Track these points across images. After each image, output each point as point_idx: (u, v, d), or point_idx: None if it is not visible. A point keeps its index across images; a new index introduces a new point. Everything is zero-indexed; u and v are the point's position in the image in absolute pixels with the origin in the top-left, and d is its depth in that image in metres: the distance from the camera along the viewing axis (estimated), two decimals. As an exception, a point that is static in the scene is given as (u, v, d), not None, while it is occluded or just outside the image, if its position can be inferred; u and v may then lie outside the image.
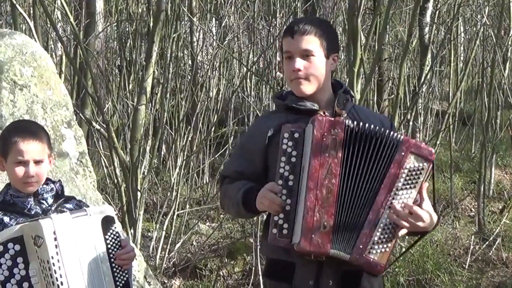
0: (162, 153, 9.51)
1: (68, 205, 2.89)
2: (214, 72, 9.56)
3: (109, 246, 2.75)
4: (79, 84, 9.17)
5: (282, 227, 2.71)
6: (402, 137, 2.75)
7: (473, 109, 10.54)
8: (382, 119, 3.07)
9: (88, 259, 2.69)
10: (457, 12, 8.52)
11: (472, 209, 8.47)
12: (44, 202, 2.83)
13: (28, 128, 2.87)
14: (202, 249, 7.46)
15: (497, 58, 8.38)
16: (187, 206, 7.82)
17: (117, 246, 2.77)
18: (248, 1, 10.25)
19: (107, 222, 2.76)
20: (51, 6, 9.04)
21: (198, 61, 9.50)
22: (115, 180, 6.84)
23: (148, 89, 6.74)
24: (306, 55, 2.86)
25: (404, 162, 2.71)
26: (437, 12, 9.01)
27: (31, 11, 8.23)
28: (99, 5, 10.13)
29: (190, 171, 8.31)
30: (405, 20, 10.83)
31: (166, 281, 6.88)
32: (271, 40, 8.86)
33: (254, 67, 9.29)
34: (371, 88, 9.07)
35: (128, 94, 8.79)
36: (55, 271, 2.59)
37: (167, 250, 7.06)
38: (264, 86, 9.61)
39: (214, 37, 9.49)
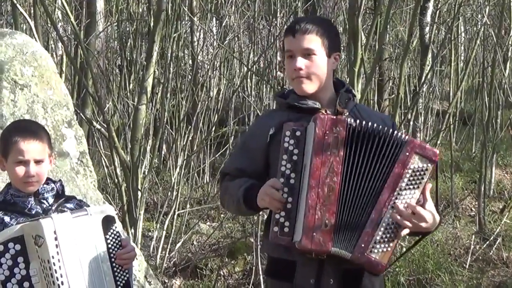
0: (163, 152, 9.51)
1: (69, 205, 2.89)
2: (214, 72, 9.57)
3: (109, 245, 2.75)
4: (79, 84, 9.17)
5: (283, 225, 2.71)
6: (407, 137, 2.75)
7: (473, 109, 10.53)
8: (384, 118, 3.07)
9: (88, 259, 2.69)
10: (458, 12, 8.52)
11: (473, 209, 8.46)
12: (44, 201, 2.83)
13: (29, 128, 2.87)
14: (202, 248, 7.46)
15: (497, 58, 8.38)
16: (188, 205, 7.82)
17: (117, 246, 2.77)
18: (248, 1, 10.25)
19: (107, 222, 2.76)
20: (51, 5, 9.05)
21: (198, 60, 9.50)
22: (116, 180, 6.84)
23: (149, 88, 6.74)
24: (308, 54, 2.86)
25: (408, 162, 2.71)
26: (438, 11, 9.01)
27: (32, 11, 8.22)
28: (100, 4, 10.13)
29: (191, 170, 8.31)
30: (406, 19, 10.83)
31: (166, 281, 6.88)
32: (272, 40, 8.86)
33: (254, 66, 9.29)
34: (372, 87, 9.06)
35: (128, 93, 8.79)
36: (55, 270, 2.60)
37: (168, 249, 7.06)
38: (264, 85, 9.60)
39: (215, 37, 9.48)
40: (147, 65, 6.70)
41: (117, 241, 2.77)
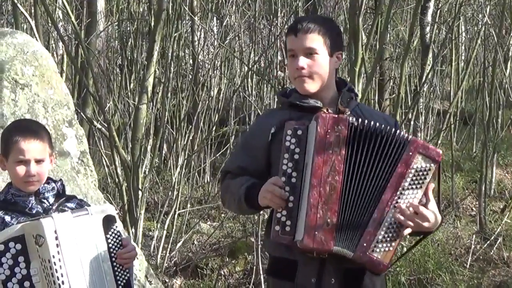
0: (163, 152, 9.51)
1: (69, 204, 2.89)
2: (215, 71, 9.57)
3: (110, 245, 2.75)
4: (80, 83, 9.17)
5: (285, 224, 2.70)
6: (410, 137, 2.75)
7: (474, 109, 10.52)
8: (386, 118, 3.07)
9: (89, 258, 2.69)
10: (458, 12, 8.51)
11: (473, 209, 8.46)
12: (45, 201, 2.83)
13: (29, 127, 2.87)
14: (203, 248, 7.46)
15: (498, 58, 8.38)
16: (188, 205, 7.82)
17: (118, 245, 2.77)
18: (249, 1, 10.24)
19: (108, 221, 2.76)
20: (52, 5, 9.05)
21: (199, 60, 9.50)
22: (116, 179, 6.84)
23: (149, 88, 6.74)
24: (310, 53, 2.86)
25: (411, 162, 2.71)
26: (438, 11, 9.01)
27: (32, 10, 8.22)
28: (100, 4, 10.13)
29: (191, 170, 8.31)
30: (407, 19, 10.83)
31: (167, 280, 6.88)
32: (272, 40, 8.86)
33: (255, 66, 9.29)
34: (372, 87, 9.06)
35: (129, 93, 8.79)
36: (56, 270, 2.60)
37: (168, 249, 7.06)
38: (265, 85, 9.60)
39: (215, 36, 9.48)
40: (147, 65, 6.70)
41: (117, 241, 2.77)
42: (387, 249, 2.71)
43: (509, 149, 10.29)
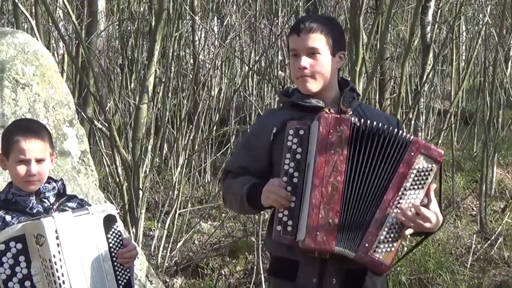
0: (164, 152, 9.51)
1: (70, 204, 2.89)
2: (216, 71, 9.56)
3: (111, 244, 2.75)
4: (81, 83, 9.17)
5: (286, 224, 2.70)
6: (412, 137, 2.74)
7: (475, 108, 10.53)
8: (388, 118, 3.07)
9: (90, 258, 2.69)
10: (459, 11, 8.51)
11: (474, 208, 8.46)
12: (46, 200, 2.83)
13: (30, 127, 2.87)
14: (204, 248, 7.46)
15: (499, 57, 8.37)
16: (189, 205, 7.82)
17: (119, 245, 2.77)
18: (250, 0, 10.24)
19: (109, 221, 2.76)
20: (53, 5, 9.05)
21: (200, 60, 9.50)
22: (117, 179, 6.84)
23: (150, 88, 6.74)
24: (312, 53, 2.86)
25: (413, 163, 2.70)
26: (439, 11, 9.02)
27: (33, 10, 8.22)
28: (101, 4, 10.13)
29: (192, 170, 8.31)
30: (407, 19, 10.82)
31: (168, 280, 6.88)
32: (273, 39, 8.85)
33: (256, 66, 9.29)
34: (373, 87, 9.06)
35: (130, 93, 8.79)
36: (57, 269, 2.60)
37: (169, 249, 7.06)
38: (266, 85, 9.60)
39: (216, 36, 9.48)
40: (148, 64, 6.70)
41: (118, 240, 2.77)
42: (388, 249, 2.71)
43: (510, 149, 10.28)
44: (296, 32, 2.88)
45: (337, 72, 2.96)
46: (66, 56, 8.37)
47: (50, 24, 9.02)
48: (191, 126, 8.01)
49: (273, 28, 9.02)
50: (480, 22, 9.91)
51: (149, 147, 7.43)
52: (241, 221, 7.90)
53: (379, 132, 2.72)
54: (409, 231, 2.72)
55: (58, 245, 2.61)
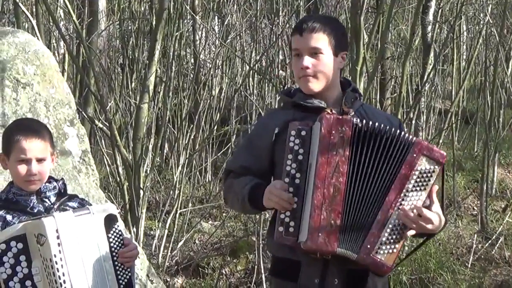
0: (165, 151, 9.51)
1: (71, 204, 2.89)
2: (216, 71, 9.56)
3: (112, 244, 2.74)
4: (81, 83, 9.17)
5: (288, 225, 2.70)
6: (414, 138, 2.74)
7: (475, 108, 10.53)
8: (390, 118, 3.06)
9: (91, 258, 2.69)
10: (460, 11, 8.51)
11: (475, 208, 8.46)
12: (46, 200, 2.83)
13: (31, 126, 2.87)
14: (204, 247, 7.46)
15: (500, 57, 8.37)
16: (190, 204, 7.82)
17: (120, 244, 2.77)
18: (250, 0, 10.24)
19: (110, 221, 2.76)
20: (53, 4, 9.05)
21: (200, 59, 9.49)
22: (118, 179, 6.84)
23: (151, 87, 6.74)
24: (315, 52, 2.85)
25: (415, 164, 2.70)
26: (440, 10, 9.01)
27: (34, 10, 8.22)
28: (102, 3, 10.13)
29: (193, 169, 8.31)
30: (408, 18, 10.82)
31: (168, 280, 6.88)
32: (274, 39, 8.85)
33: (256, 65, 9.28)
34: (374, 86, 9.06)
35: (130, 92, 8.79)
36: (57, 269, 2.59)
37: (170, 248, 7.06)
38: (266, 84, 9.60)
39: (217, 36, 9.48)
40: (149, 64, 6.70)
41: (119, 240, 2.77)
42: (390, 251, 2.71)
43: (511, 149, 10.28)
44: (298, 31, 2.87)
45: (339, 72, 2.96)
46: (67, 55, 8.37)
47: (51, 23, 9.02)
48: (191, 126, 8.01)
49: (274, 28, 9.02)
50: (481, 22, 9.91)
51: (150, 147, 7.44)
52: (242, 220, 7.90)
53: (381, 133, 2.72)
54: (411, 233, 2.72)
55: (59, 244, 2.61)
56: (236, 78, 10.27)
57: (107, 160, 7.56)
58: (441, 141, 8.63)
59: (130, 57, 9.40)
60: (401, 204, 2.70)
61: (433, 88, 9.71)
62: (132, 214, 6.47)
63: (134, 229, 6.42)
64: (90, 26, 9.26)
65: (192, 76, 9.00)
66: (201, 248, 7.43)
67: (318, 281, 2.78)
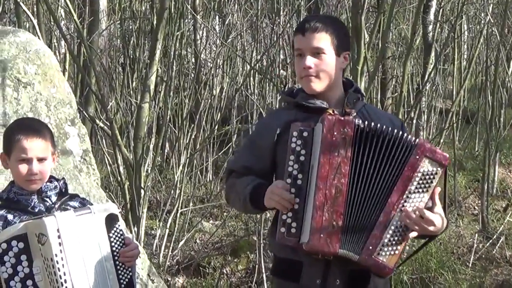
0: (166, 151, 9.51)
1: (72, 203, 2.89)
2: (217, 70, 9.56)
3: (113, 244, 2.74)
4: (82, 82, 9.17)
5: (290, 226, 2.69)
6: (417, 140, 2.73)
7: (476, 107, 10.53)
8: (392, 119, 3.05)
9: (92, 257, 2.69)
10: (461, 10, 8.51)
11: (476, 207, 8.46)
12: (47, 199, 2.83)
13: (32, 126, 2.86)
14: (205, 247, 7.46)
15: (501, 56, 8.37)
16: (191, 204, 7.82)
17: (121, 244, 2.77)
18: (251, -1, 10.25)
19: (111, 220, 2.75)
20: (54, 4, 9.05)
21: (201, 59, 9.49)
22: (119, 178, 6.84)
23: (152, 87, 6.74)
24: (317, 52, 2.85)
25: (418, 166, 2.69)
26: (441, 10, 9.00)
27: (35, 9, 8.23)
28: (103, 3, 10.12)
29: (194, 169, 8.31)
30: (409, 18, 10.82)
31: (169, 279, 6.88)
32: (275, 38, 8.85)
33: (257, 65, 9.28)
34: (375, 86, 9.06)
35: (131, 92, 8.79)
36: (58, 268, 2.59)
37: (171, 248, 7.06)
38: (267, 84, 9.60)
39: (218, 35, 9.48)
40: (150, 63, 6.70)
41: (120, 239, 2.77)
42: (392, 252, 2.70)
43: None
44: (301, 31, 2.87)
45: (341, 72, 2.95)
46: (67, 55, 8.36)
47: (52, 23, 9.01)
48: (192, 125, 8.01)
49: (274, 27, 9.02)
50: (482, 21, 9.90)
51: (151, 146, 7.43)
52: (243, 220, 7.90)
53: (383, 134, 2.71)
54: (413, 234, 2.72)
55: (60, 244, 2.61)
56: (237, 78, 10.27)
57: (108, 160, 7.56)
58: (442, 140, 8.63)
59: (131, 56, 9.40)
60: (403, 206, 2.69)
61: (434, 87, 9.71)
62: (133, 214, 6.47)
63: (135, 228, 6.42)
64: (91, 25, 9.26)
65: (193, 75, 9.00)
66: (202, 248, 7.44)
67: (320, 282, 2.78)
